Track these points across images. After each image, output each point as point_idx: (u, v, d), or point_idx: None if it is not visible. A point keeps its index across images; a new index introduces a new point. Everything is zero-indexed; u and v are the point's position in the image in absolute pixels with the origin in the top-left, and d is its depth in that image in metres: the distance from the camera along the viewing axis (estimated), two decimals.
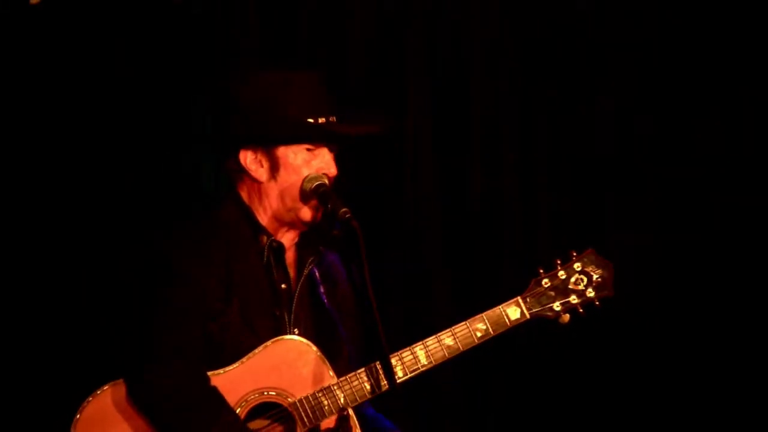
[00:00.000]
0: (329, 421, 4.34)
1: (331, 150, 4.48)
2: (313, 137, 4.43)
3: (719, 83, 6.11)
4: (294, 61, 5.82)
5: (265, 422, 4.33)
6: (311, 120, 4.42)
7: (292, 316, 4.45)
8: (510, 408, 6.10)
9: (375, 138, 4.63)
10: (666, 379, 6.07)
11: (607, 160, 6.13)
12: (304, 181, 4.40)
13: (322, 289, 4.54)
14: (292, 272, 4.50)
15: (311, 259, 4.51)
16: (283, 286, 4.46)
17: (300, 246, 4.52)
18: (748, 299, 6.05)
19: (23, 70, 5.53)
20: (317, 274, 4.53)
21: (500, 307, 4.50)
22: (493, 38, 6.11)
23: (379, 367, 4.37)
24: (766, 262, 6.06)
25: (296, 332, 4.42)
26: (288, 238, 4.50)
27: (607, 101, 6.13)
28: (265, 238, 4.44)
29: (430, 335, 4.47)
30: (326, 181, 4.40)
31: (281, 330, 4.41)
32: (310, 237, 4.52)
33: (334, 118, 4.46)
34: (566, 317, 4.55)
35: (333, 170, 4.45)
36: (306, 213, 4.43)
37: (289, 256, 4.50)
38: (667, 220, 6.14)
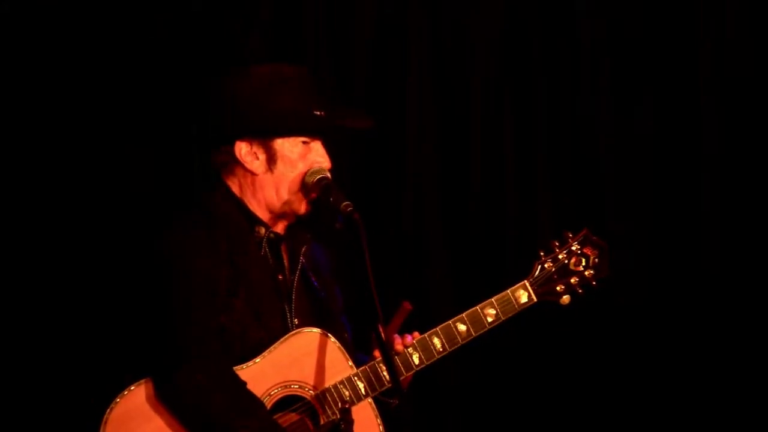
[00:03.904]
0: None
1: (324, 143, 4.50)
2: (313, 129, 4.46)
3: (717, 81, 6.14)
4: (296, 58, 5.76)
5: (289, 415, 4.36)
6: (309, 112, 4.44)
7: (293, 306, 4.47)
8: (509, 405, 6.11)
9: (372, 132, 4.65)
10: (663, 371, 6.08)
11: (606, 158, 6.16)
12: (305, 174, 4.43)
13: (313, 278, 4.56)
14: (285, 263, 4.52)
15: (303, 249, 4.53)
16: (279, 277, 4.49)
17: (289, 236, 4.53)
18: (744, 293, 6.07)
19: (25, 70, 5.52)
20: (305, 263, 4.54)
21: (508, 291, 4.57)
22: (493, 37, 6.13)
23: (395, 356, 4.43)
24: (763, 256, 6.08)
25: (296, 322, 4.44)
26: (279, 229, 4.51)
27: (608, 99, 6.17)
28: (263, 229, 4.46)
29: (431, 327, 4.54)
30: (328, 175, 4.43)
31: (285, 321, 4.44)
32: (296, 227, 4.54)
33: (326, 112, 4.46)
34: (567, 298, 4.62)
35: (328, 163, 4.47)
36: (302, 206, 4.45)
37: (282, 246, 4.52)
38: (662, 214, 6.17)
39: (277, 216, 4.49)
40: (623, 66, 6.18)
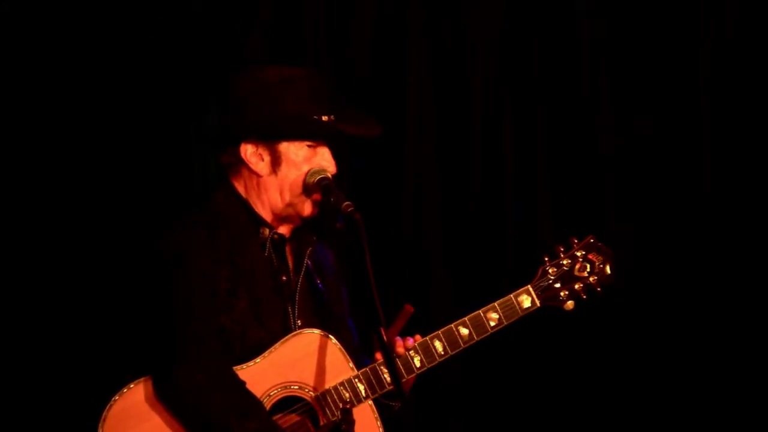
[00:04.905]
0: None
1: (330, 148, 4.49)
2: (319, 134, 4.45)
3: (717, 81, 6.15)
4: (296, 58, 5.84)
5: (289, 416, 4.35)
6: (315, 117, 4.43)
7: (296, 307, 4.47)
8: (511, 408, 6.12)
9: (377, 138, 4.63)
10: (663, 371, 6.09)
11: (606, 158, 6.16)
12: (306, 175, 4.41)
13: (318, 280, 4.56)
14: (290, 264, 4.51)
15: (309, 250, 4.53)
16: (283, 278, 4.48)
17: (294, 237, 4.53)
18: (744, 293, 6.08)
19: (25, 70, 5.52)
20: (311, 264, 4.54)
21: (512, 295, 4.56)
22: (494, 37, 6.15)
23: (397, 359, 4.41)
24: (763, 256, 6.09)
25: (300, 324, 4.44)
26: (284, 231, 4.50)
27: (608, 99, 6.17)
28: (267, 230, 4.45)
29: (432, 330, 4.52)
30: (329, 175, 4.41)
31: (287, 322, 4.44)
32: (302, 228, 4.53)
33: (334, 116, 4.46)
34: (571, 304, 4.61)
35: (333, 168, 4.46)
36: (305, 207, 4.44)
37: (287, 248, 4.51)
38: (663, 214, 6.18)
39: (282, 218, 4.49)
40: (623, 66, 6.19)
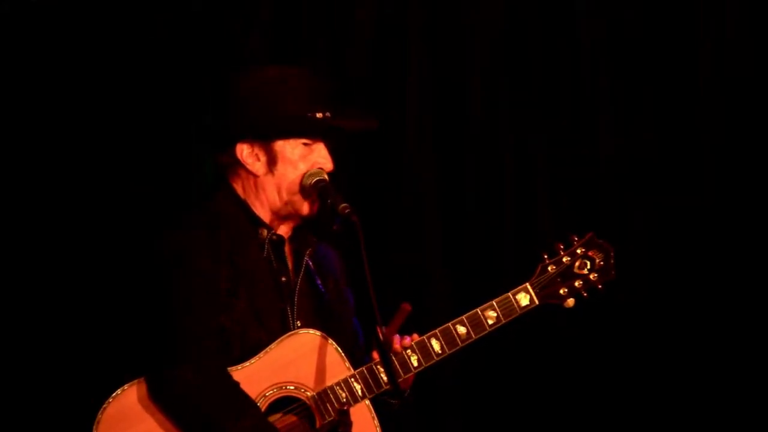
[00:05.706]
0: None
1: (327, 145, 4.49)
2: (312, 132, 4.45)
3: (717, 81, 6.16)
4: (296, 58, 5.85)
5: (285, 417, 4.34)
6: (309, 114, 4.43)
7: (295, 308, 4.46)
8: (509, 404, 6.13)
9: (371, 133, 4.62)
10: (663, 369, 6.09)
11: (606, 159, 6.17)
12: (303, 176, 4.41)
13: (318, 281, 4.55)
14: (289, 264, 4.51)
15: (308, 251, 4.53)
16: (282, 278, 4.48)
17: (294, 238, 4.53)
18: (744, 292, 6.09)
19: (26, 70, 5.53)
20: (311, 265, 4.54)
21: (510, 294, 4.53)
22: (494, 38, 6.15)
23: (393, 358, 4.40)
24: (763, 254, 6.10)
25: (299, 324, 4.43)
26: (283, 231, 4.50)
27: (608, 99, 6.18)
28: (265, 231, 4.45)
29: (431, 330, 4.50)
30: (325, 177, 4.41)
31: (286, 322, 4.43)
32: (303, 229, 4.53)
33: (329, 114, 4.46)
34: (571, 301, 4.58)
35: (330, 165, 4.46)
36: (304, 206, 4.44)
37: (286, 248, 4.51)
38: (663, 214, 6.18)
39: (282, 217, 4.49)
40: (623, 66, 6.20)
